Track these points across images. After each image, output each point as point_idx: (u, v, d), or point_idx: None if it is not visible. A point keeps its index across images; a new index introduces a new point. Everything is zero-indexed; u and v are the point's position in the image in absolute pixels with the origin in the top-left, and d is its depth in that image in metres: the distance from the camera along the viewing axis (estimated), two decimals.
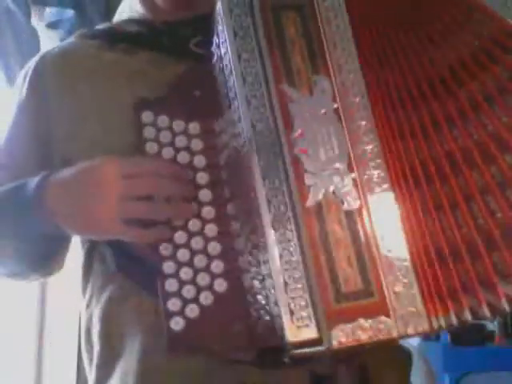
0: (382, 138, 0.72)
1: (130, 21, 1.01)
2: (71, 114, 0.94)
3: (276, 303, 0.66)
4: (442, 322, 0.68)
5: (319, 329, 0.65)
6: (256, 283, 0.72)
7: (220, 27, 0.76)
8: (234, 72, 0.72)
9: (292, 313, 0.65)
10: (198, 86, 0.87)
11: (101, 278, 0.93)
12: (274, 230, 0.67)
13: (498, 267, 0.68)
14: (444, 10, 0.78)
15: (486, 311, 0.67)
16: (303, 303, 0.65)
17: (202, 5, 0.99)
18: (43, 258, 0.93)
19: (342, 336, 0.64)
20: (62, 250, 0.96)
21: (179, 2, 0.98)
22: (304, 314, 0.65)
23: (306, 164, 0.69)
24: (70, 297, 0.99)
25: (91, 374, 0.93)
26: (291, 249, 0.67)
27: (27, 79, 0.99)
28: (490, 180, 0.71)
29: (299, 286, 0.66)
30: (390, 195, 0.70)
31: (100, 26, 1.06)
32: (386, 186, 0.70)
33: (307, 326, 0.65)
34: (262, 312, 0.72)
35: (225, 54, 0.75)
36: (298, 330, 0.65)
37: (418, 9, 0.79)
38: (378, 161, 0.71)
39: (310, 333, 0.65)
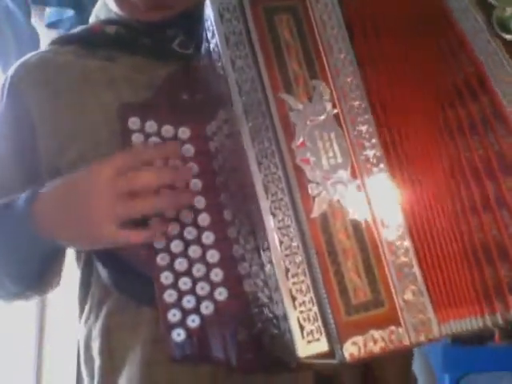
0: (385, 142, 0.71)
1: (109, 21, 0.98)
2: (57, 127, 0.90)
3: (284, 317, 0.65)
4: (454, 328, 0.67)
5: (330, 342, 0.63)
6: (262, 296, 0.71)
7: (210, 33, 0.73)
8: (228, 81, 0.70)
9: (302, 327, 0.64)
10: (185, 89, 0.84)
11: (99, 291, 0.91)
12: (280, 243, 0.66)
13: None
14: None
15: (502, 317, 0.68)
16: (313, 316, 0.64)
17: (179, 3, 0.96)
18: (39, 276, 0.90)
19: (354, 349, 0.63)
20: (57, 266, 0.94)
21: (155, 1, 0.94)
22: (314, 327, 0.64)
23: (309, 174, 0.67)
24: (70, 297, 0.97)
25: None
26: (298, 262, 0.65)
27: (5, 91, 0.95)
28: None
29: (307, 299, 0.65)
30: (397, 200, 0.69)
31: (76, 29, 1.02)
32: (393, 193, 0.69)
33: (318, 340, 0.64)
34: (268, 324, 0.70)
35: (217, 61, 0.72)
36: (309, 344, 0.64)
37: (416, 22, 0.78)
38: (382, 166, 0.69)
39: (321, 347, 0.64)
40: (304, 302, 0.65)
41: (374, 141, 0.70)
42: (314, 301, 0.65)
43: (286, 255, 0.66)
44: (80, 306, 0.96)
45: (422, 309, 0.66)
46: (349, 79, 0.71)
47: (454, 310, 0.68)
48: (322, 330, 0.64)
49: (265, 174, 0.67)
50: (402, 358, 0.94)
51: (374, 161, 0.69)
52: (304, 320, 0.64)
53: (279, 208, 0.66)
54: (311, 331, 0.64)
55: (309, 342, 0.64)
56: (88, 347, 0.92)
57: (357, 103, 0.70)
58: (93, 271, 0.92)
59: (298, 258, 0.65)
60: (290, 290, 0.65)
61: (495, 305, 0.68)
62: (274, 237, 0.66)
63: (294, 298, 0.65)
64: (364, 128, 0.70)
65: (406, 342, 0.64)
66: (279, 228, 0.66)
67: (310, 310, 0.64)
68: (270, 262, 0.66)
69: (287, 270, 0.65)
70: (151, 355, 0.85)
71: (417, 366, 1.02)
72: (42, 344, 2.00)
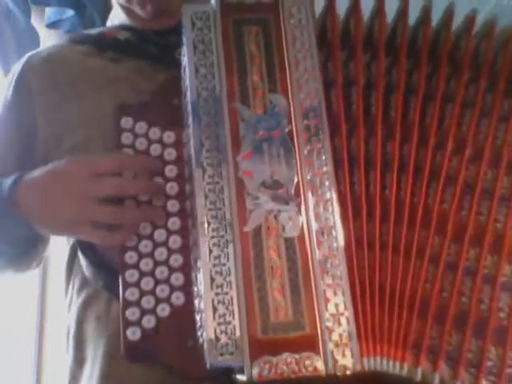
0: (336, 164, 0.69)
1: (122, 27, 1.01)
2: (55, 119, 0.94)
3: (204, 326, 0.64)
4: (378, 364, 0.64)
5: (242, 359, 0.62)
6: (196, 304, 0.71)
7: (183, 39, 0.74)
8: (189, 87, 0.71)
9: (218, 339, 0.63)
10: (177, 95, 0.86)
11: (79, 280, 0.94)
12: (209, 252, 0.65)
13: None
14: None
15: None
16: (230, 330, 0.63)
17: (178, 11, 0.97)
18: (21, 256, 0.94)
19: (263, 368, 0.61)
20: (39, 248, 0.97)
21: (156, 11, 0.96)
22: (230, 341, 0.63)
23: (249, 187, 0.66)
24: None
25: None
26: (224, 273, 0.65)
27: (13, 81, 1.00)
28: None
29: (227, 311, 0.64)
30: (339, 226, 0.67)
31: (91, 31, 1.06)
32: (335, 217, 0.67)
33: (231, 353, 0.63)
34: (199, 333, 0.70)
35: (184, 67, 0.73)
36: (221, 356, 0.63)
37: None
38: (328, 187, 0.67)
39: (233, 361, 0.63)
40: (224, 315, 0.64)
41: (324, 161, 0.68)
42: (234, 315, 0.64)
43: (214, 265, 0.65)
44: (65, 292, 0.98)
45: (345, 339, 0.63)
46: (311, 97, 0.70)
47: (380, 346, 0.65)
48: (237, 344, 0.63)
49: (208, 181, 0.67)
50: None
51: (321, 181, 0.67)
52: (221, 332, 0.63)
53: (216, 217, 0.66)
54: (226, 344, 0.63)
55: (221, 354, 0.63)
56: (68, 334, 0.95)
57: (314, 122, 0.69)
58: (76, 258, 0.95)
59: (226, 269, 0.65)
60: (213, 300, 0.64)
61: (421, 360, 0.65)
62: (204, 245, 0.66)
63: (215, 309, 0.64)
64: (317, 147, 0.68)
65: (321, 370, 0.62)
66: (212, 237, 0.66)
67: (229, 323, 0.64)
68: (199, 270, 0.66)
69: (212, 280, 0.65)
70: (114, 349, 0.86)
71: None
72: (42, 344, 2.03)
